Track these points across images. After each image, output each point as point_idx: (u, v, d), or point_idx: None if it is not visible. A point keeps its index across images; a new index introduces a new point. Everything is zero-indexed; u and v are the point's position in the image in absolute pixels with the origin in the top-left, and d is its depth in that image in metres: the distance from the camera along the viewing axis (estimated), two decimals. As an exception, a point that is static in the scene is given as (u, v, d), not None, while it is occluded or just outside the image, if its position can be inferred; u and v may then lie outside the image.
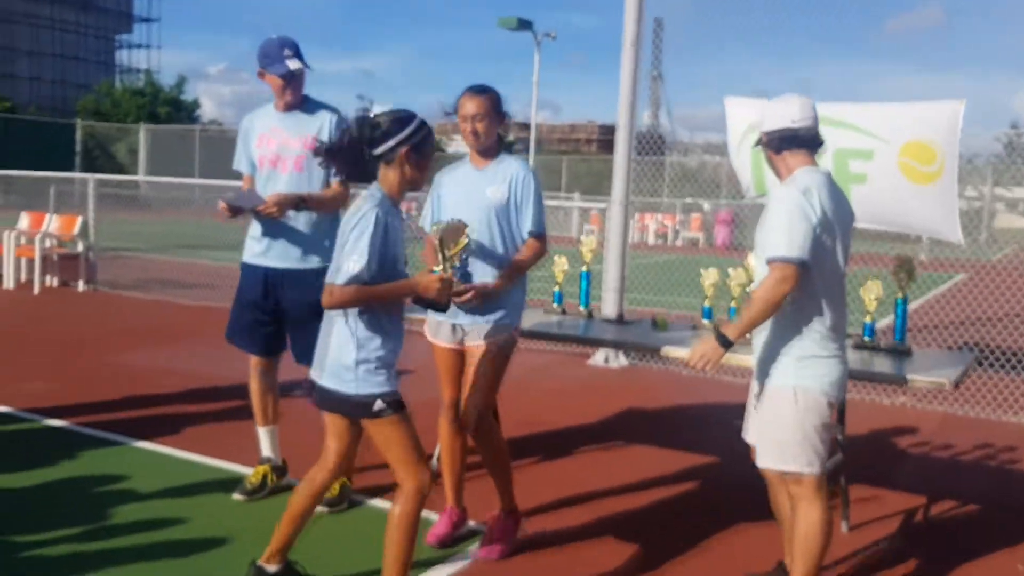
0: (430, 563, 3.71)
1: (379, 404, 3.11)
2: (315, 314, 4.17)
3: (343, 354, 3.14)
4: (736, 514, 4.39)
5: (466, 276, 3.69)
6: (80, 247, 11.27)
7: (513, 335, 3.83)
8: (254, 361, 4.48)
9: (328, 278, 3.14)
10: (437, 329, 3.89)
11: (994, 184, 24.62)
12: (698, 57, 7.60)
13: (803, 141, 3.22)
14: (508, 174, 3.78)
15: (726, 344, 3.12)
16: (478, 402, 3.76)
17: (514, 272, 3.76)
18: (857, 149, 5.83)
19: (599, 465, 5.13)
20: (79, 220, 11.24)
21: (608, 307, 7.21)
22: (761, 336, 3.26)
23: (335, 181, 4.25)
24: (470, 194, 3.79)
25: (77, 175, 12.51)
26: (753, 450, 3.38)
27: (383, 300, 3.14)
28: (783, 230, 3.05)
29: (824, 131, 6.03)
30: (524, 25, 25.25)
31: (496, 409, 4.95)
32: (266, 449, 4.50)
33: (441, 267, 3.25)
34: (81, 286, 11.26)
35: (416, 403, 4.94)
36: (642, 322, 4.85)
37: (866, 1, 6.89)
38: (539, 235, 3.80)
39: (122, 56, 68.13)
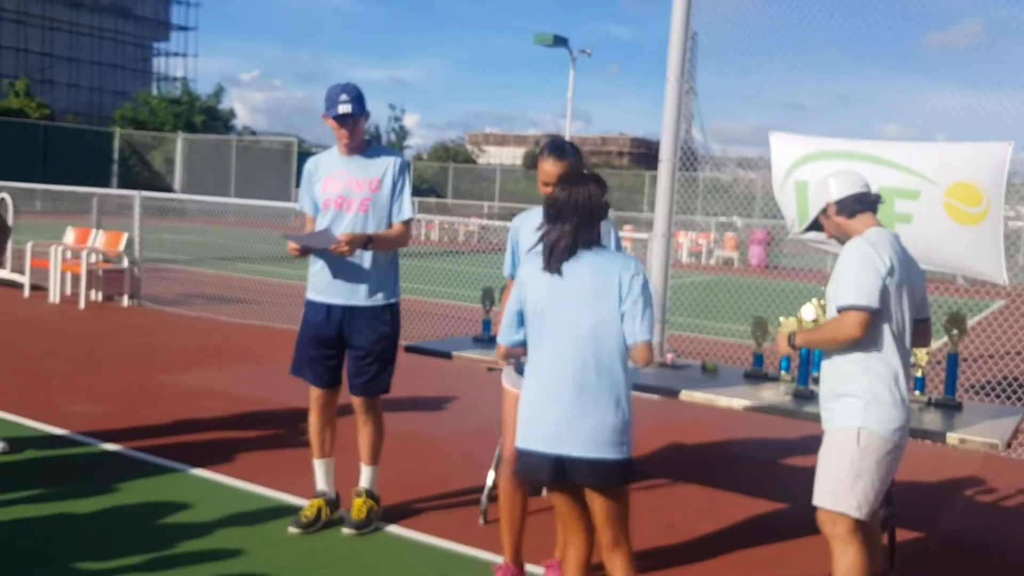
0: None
1: (629, 470, 3.14)
2: (374, 347, 4.42)
3: (609, 416, 3.08)
4: (794, 559, 4.43)
5: None
6: (125, 262, 11.48)
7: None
8: (316, 394, 4.60)
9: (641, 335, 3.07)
10: (516, 377, 3.81)
11: (1029, 207, 24.37)
12: (732, 70, 7.62)
13: (871, 203, 3.49)
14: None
15: (795, 346, 3.62)
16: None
17: None
18: (903, 189, 5.87)
19: (646, 503, 5.18)
20: (125, 236, 11.45)
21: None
22: (829, 380, 3.43)
23: (397, 222, 4.45)
24: None
25: (125, 192, 12.71)
26: None
27: None
28: (851, 279, 3.29)
29: (870, 169, 6.16)
30: (560, 42, 25.37)
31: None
32: (321, 483, 4.62)
33: None
34: (125, 301, 11.47)
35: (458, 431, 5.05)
36: (692, 367, 4.90)
37: (903, 15, 6.90)
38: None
39: (159, 64, 69.14)
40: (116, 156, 37.75)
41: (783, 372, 4.59)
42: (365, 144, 4.53)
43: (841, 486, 3.31)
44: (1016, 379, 7.99)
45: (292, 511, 4.58)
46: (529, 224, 3.90)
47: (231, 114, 50.54)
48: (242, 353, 8.95)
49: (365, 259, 4.41)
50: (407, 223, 4.49)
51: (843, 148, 6.18)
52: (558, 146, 3.81)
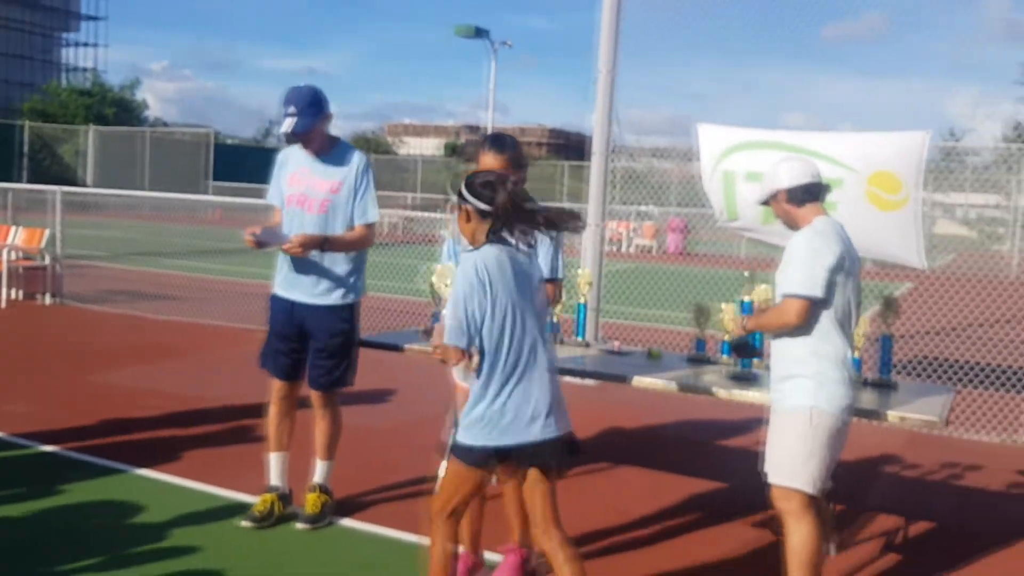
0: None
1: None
2: (332, 344, 4.46)
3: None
4: (737, 537, 4.63)
5: None
6: (47, 259, 11.15)
7: None
8: (276, 386, 4.63)
9: None
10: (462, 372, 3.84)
11: (933, 191, 25.37)
12: (643, 62, 7.78)
13: (819, 193, 3.65)
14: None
15: (746, 328, 3.85)
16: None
17: None
18: (827, 178, 6.07)
19: (587, 488, 5.32)
20: (46, 232, 11.12)
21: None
22: (780, 363, 3.58)
23: (359, 224, 4.47)
24: None
25: (43, 187, 12.33)
26: None
27: None
28: (797, 269, 3.46)
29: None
30: (480, 33, 25.40)
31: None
32: (275, 477, 4.62)
33: None
34: (47, 299, 11.15)
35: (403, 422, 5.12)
36: (635, 353, 5.05)
37: (804, 7, 7.19)
38: (555, 280, 3.90)
39: (68, 54, 66.77)
40: (25, 150, 36.40)
41: (724, 356, 4.77)
42: (332, 144, 4.52)
43: (794, 463, 3.44)
44: (930, 358, 8.43)
45: (242, 508, 4.58)
46: None
47: (144, 105, 49.16)
48: (173, 350, 8.81)
49: (324, 258, 4.43)
50: (369, 226, 4.48)
51: (769, 139, 6.39)
52: (498, 140, 3.88)
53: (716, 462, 6.08)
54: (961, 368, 7.90)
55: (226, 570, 3.96)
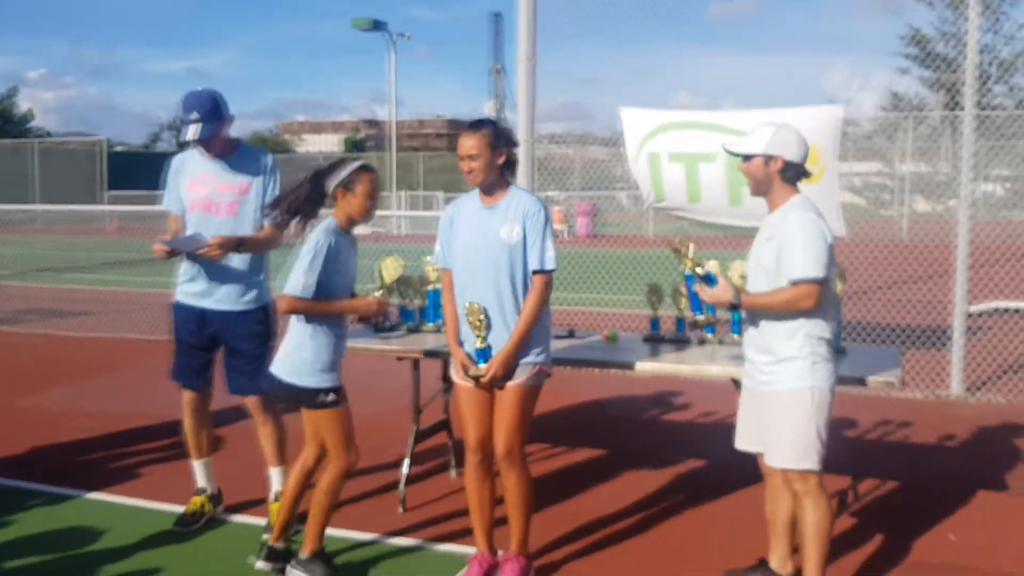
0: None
1: (323, 396, 3.87)
2: (251, 348, 4.41)
3: (298, 353, 3.86)
4: (700, 511, 4.77)
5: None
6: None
7: (543, 370, 3.84)
8: (187, 397, 4.58)
9: (285, 290, 3.80)
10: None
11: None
12: (537, 48, 7.82)
13: (803, 176, 3.60)
14: (520, 211, 3.76)
15: (735, 306, 3.59)
16: (518, 437, 3.80)
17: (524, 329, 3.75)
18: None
19: (549, 472, 5.39)
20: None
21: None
22: (770, 343, 3.52)
23: (267, 223, 4.39)
24: (484, 235, 3.78)
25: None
26: (761, 457, 3.70)
27: (325, 313, 3.85)
28: (808, 252, 3.38)
29: (716, 137, 6.56)
30: (378, 26, 25.15)
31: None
32: (201, 480, 4.65)
33: (380, 291, 3.93)
34: (-50, 324, 10.62)
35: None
36: (593, 335, 5.14)
37: None
38: (547, 272, 3.77)
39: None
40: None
41: (704, 332, 4.85)
42: (233, 145, 4.45)
43: (804, 445, 3.45)
44: (847, 322, 8.78)
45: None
46: (463, 210, 3.91)
47: (29, 115, 46.98)
48: (98, 368, 8.52)
49: (235, 262, 4.36)
50: (277, 225, 4.34)
51: (691, 119, 6.55)
52: (474, 123, 3.84)
53: (665, 437, 6.23)
54: (875, 329, 8.28)
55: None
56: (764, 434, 3.60)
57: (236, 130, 4.44)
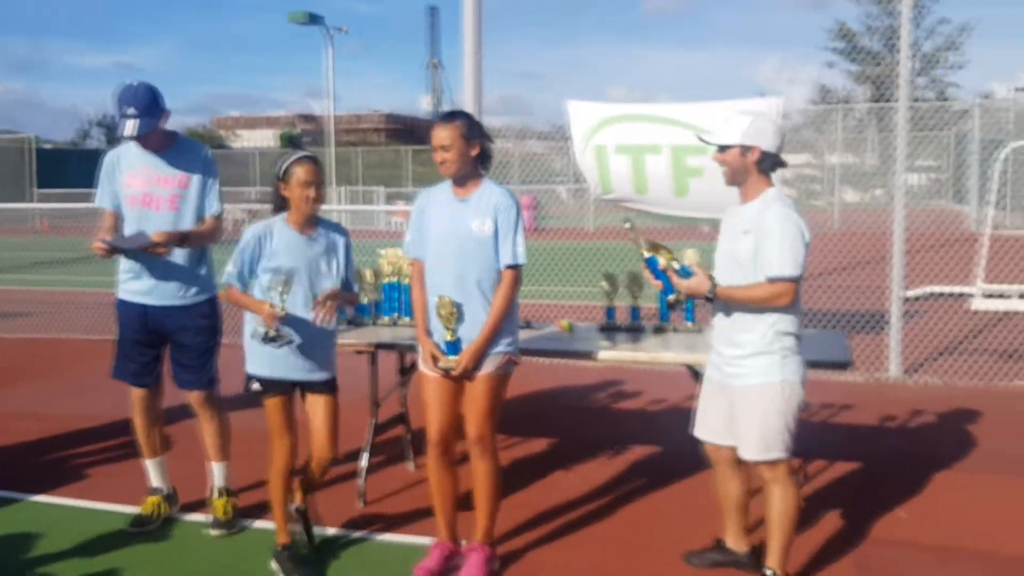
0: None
1: (254, 384, 4.00)
2: (197, 342, 4.38)
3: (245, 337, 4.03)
4: (655, 497, 4.85)
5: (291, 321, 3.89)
6: None
7: (511, 359, 3.88)
8: (137, 395, 4.51)
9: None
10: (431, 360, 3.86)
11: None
12: (483, 42, 7.82)
13: (782, 163, 3.59)
14: (491, 205, 3.77)
15: (711, 297, 3.51)
16: (489, 424, 3.84)
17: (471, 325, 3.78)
18: (693, 146, 6.39)
19: (506, 463, 5.40)
20: None
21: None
22: (741, 338, 3.54)
23: (208, 216, 4.36)
24: (455, 227, 3.80)
25: None
26: (712, 447, 3.78)
27: (240, 305, 3.98)
28: (787, 250, 3.39)
29: (662, 130, 6.65)
30: (315, 20, 24.86)
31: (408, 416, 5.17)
32: (155, 480, 4.58)
33: (279, 303, 3.81)
34: None
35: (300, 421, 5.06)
36: (550, 326, 5.18)
37: None
38: (516, 267, 3.79)
39: None
40: None
41: (665, 321, 4.90)
42: (171, 139, 4.37)
43: (774, 436, 3.52)
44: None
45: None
46: (435, 201, 3.91)
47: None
48: (35, 370, 8.29)
49: (177, 256, 4.30)
50: (217, 217, 4.38)
51: (637, 112, 6.64)
52: (447, 114, 3.85)
53: (618, 425, 6.31)
54: (815, 315, 8.48)
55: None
56: (732, 426, 3.65)
57: (168, 127, 4.37)
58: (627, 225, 3.74)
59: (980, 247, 9.70)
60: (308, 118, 69.47)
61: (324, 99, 27.03)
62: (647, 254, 3.70)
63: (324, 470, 4.15)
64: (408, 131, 66.55)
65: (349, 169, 37.81)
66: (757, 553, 3.86)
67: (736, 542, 3.93)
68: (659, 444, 5.65)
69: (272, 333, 3.80)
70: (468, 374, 3.78)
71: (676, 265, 3.64)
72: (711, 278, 3.55)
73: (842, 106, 32.42)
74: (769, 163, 3.52)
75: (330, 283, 3.99)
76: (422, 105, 73.07)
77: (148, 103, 4.17)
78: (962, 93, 38.35)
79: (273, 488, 4.06)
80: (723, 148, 3.55)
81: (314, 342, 3.99)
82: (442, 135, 3.73)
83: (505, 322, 3.80)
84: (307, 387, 4.06)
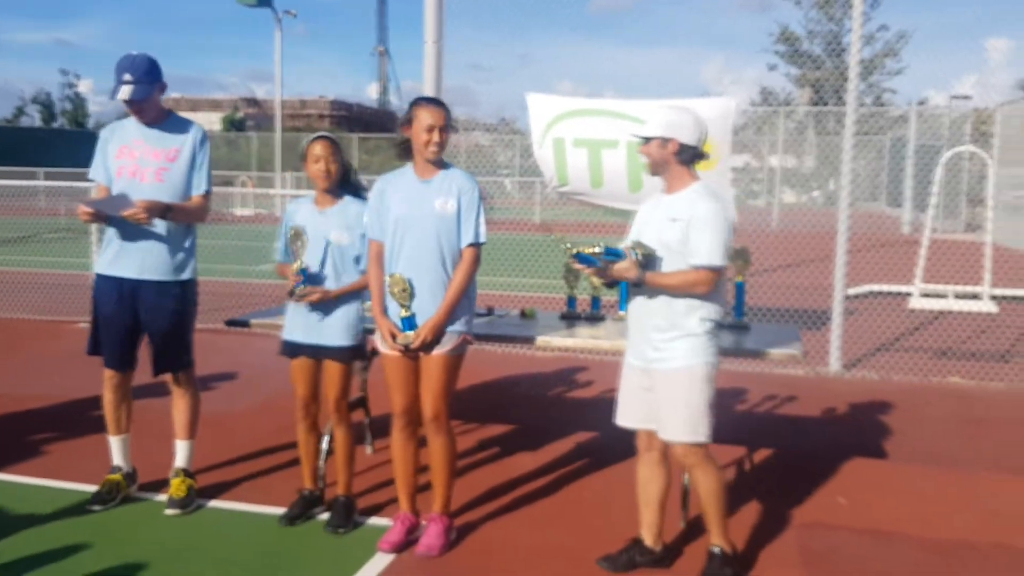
0: (367, 557, 3.93)
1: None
2: (171, 324, 4.39)
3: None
4: (604, 479, 5.00)
5: (314, 279, 4.17)
6: None
7: (466, 339, 4.00)
8: (109, 373, 4.50)
9: None
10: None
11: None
12: (418, 32, 7.90)
13: (699, 159, 3.71)
14: (455, 187, 3.93)
15: (640, 282, 3.56)
16: (444, 402, 3.97)
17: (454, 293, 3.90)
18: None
19: (463, 447, 5.49)
20: None
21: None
22: (667, 321, 3.61)
23: (196, 194, 4.39)
24: (420, 207, 3.92)
25: None
26: (643, 435, 3.85)
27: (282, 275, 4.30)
28: (715, 241, 3.51)
29: (619, 125, 6.79)
30: (264, 2, 24.54)
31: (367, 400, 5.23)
32: (117, 458, 4.59)
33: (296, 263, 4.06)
34: None
35: (247, 407, 5.10)
36: (510, 313, 5.29)
37: None
38: (477, 245, 3.96)
39: None
40: None
41: (624, 311, 4.96)
42: (165, 114, 4.44)
43: (696, 418, 3.60)
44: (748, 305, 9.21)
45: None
46: (396, 184, 4.01)
47: None
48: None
49: (160, 230, 4.32)
50: (206, 196, 4.43)
51: (595, 106, 6.77)
52: (430, 97, 4.02)
53: (572, 412, 6.47)
54: (759, 311, 8.74)
55: (105, 563, 3.84)
56: (655, 410, 3.70)
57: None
58: (555, 236, 3.89)
59: (920, 248, 10.06)
60: (252, 102, 68.42)
61: (268, 83, 26.72)
62: (574, 251, 3.74)
63: (338, 442, 4.38)
64: (354, 118, 65.95)
65: (295, 155, 37.32)
66: (672, 550, 3.97)
67: (654, 540, 3.95)
68: (611, 429, 5.77)
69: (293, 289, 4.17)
70: (425, 349, 3.90)
71: (599, 249, 3.67)
72: (640, 264, 3.57)
73: (784, 108, 33.11)
74: (688, 155, 3.63)
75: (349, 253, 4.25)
76: (369, 93, 72.50)
77: (145, 71, 4.26)
78: (897, 99, 39.49)
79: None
80: (645, 140, 3.67)
81: (327, 309, 4.22)
82: (439, 115, 3.88)
83: (464, 301, 3.94)
84: (321, 352, 4.27)
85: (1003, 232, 19.60)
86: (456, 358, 3.97)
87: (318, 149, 4.20)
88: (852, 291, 9.09)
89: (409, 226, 3.90)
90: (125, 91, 4.22)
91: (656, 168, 3.69)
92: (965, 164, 22.06)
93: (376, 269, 4.02)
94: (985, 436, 6.04)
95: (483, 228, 3.93)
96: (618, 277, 3.65)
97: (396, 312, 3.89)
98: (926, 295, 9.60)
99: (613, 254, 3.64)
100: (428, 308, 3.88)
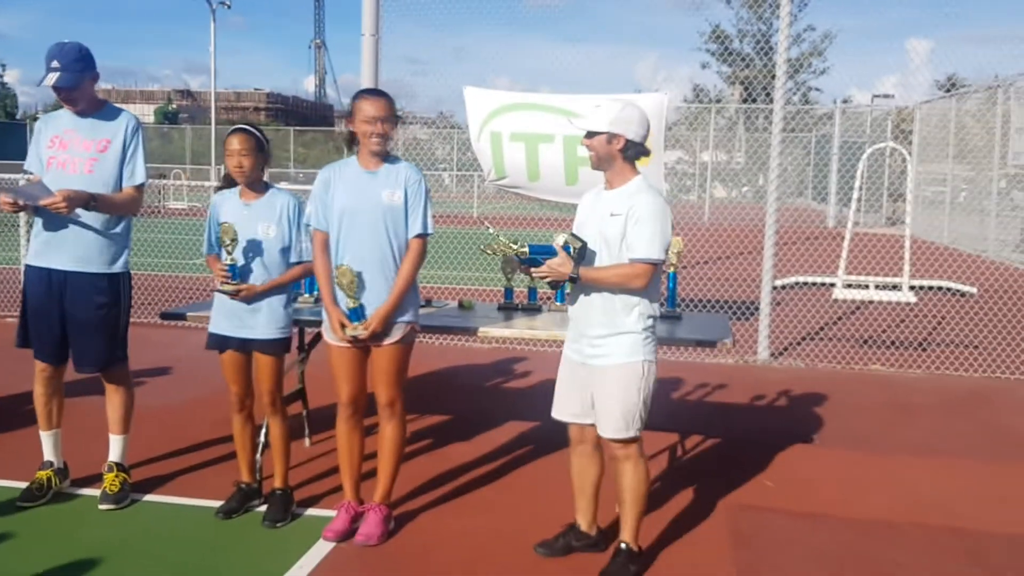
0: (306, 548, 3.94)
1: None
2: (100, 318, 4.33)
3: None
4: (540, 468, 5.09)
5: (242, 274, 4.17)
6: None
7: (414, 328, 4.06)
8: (40, 367, 4.44)
9: None
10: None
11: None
12: (353, 26, 7.96)
13: (645, 152, 3.72)
14: (402, 178, 3.96)
15: (574, 278, 3.55)
16: (397, 389, 4.04)
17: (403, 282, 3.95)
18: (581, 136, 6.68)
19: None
20: None
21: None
22: (606, 318, 3.62)
23: (128, 185, 4.34)
24: (366, 197, 3.92)
25: None
26: (575, 427, 3.89)
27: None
28: (656, 236, 3.52)
29: (555, 119, 6.88)
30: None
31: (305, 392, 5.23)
32: (48, 453, 4.53)
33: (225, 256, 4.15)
34: None
35: (182, 401, 5.06)
36: (448, 304, 5.33)
37: None
38: (424, 236, 4.00)
39: None
40: None
41: (561, 302, 5.06)
42: (99, 104, 4.38)
43: (632, 414, 3.62)
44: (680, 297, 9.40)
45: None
46: (342, 175, 4.02)
47: None
48: None
49: (91, 220, 4.26)
50: (139, 188, 4.38)
51: (533, 101, 6.85)
52: (374, 89, 4.04)
53: (508, 402, 6.55)
54: (691, 302, 8.94)
55: (36, 560, 3.78)
56: (592, 405, 3.73)
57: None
58: (491, 231, 3.92)
59: (844, 241, 10.39)
60: (185, 93, 66.99)
61: (203, 75, 26.25)
62: (516, 252, 3.68)
63: (274, 435, 4.38)
64: (291, 111, 65.06)
65: (228, 147, 36.65)
66: (607, 535, 4.03)
67: (589, 526, 4.00)
68: (549, 419, 5.86)
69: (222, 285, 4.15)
70: (374, 340, 3.93)
71: (526, 249, 3.65)
72: (573, 259, 3.56)
73: (716, 105, 33.69)
74: (634, 152, 3.64)
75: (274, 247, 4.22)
76: (305, 86, 71.63)
77: (74, 59, 4.21)
78: (823, 98, 40.51)
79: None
80: (591, 134, 3.64)
81: (253, 302, 4.20)
82: (381, 106, 3.90)
83: (410, 292, 3.99)
84: (249, 345, 4.25)
85: (921, 226, 20.36)
86: (406, 346, 4.03)
87: (234, 143, 4.17)
88: (779, 281, 9.35)
89: (355, 217, 3.92)
90: (51, 78, 4.16)
91: (600, 163, 3.67)
92: (886, 160, 22.79)
93: (322, 259, 4.02)
94: (904, 421, 6.30)
95: (430, 219, 3.98)
96: (553, 275, 3.61)
97: (344, 303, 3.92)
98: (849, 286, 9.93)
99: (544, 251, 3.60)
100: (376, 299, 3.92)
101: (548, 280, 3.69)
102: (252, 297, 4.18)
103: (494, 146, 6.81)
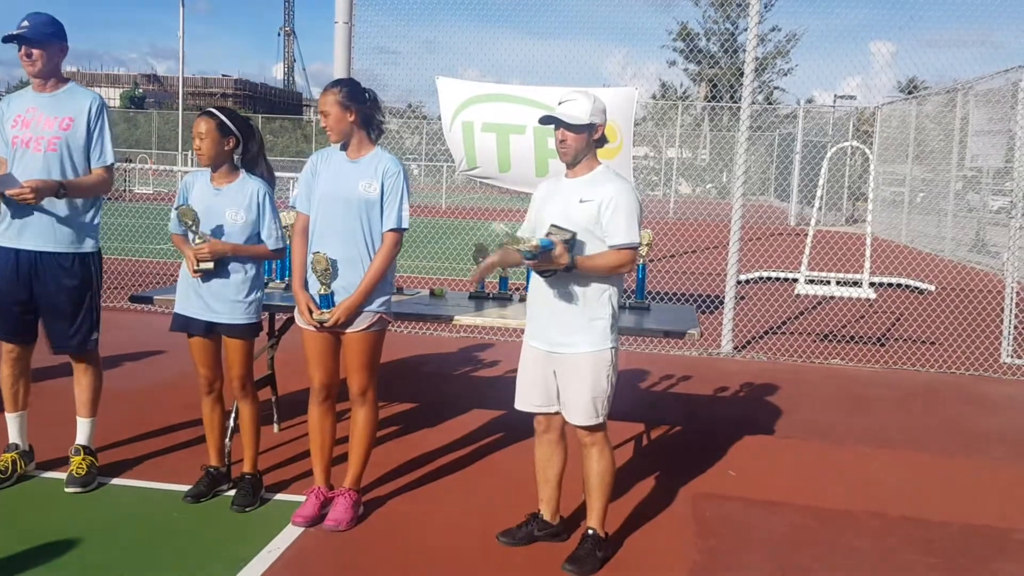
0: (275, 532, 3.96)
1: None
2: (70, 299, 4.31)
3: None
4: (507, 455, 5.15)
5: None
6: None
7: (383, 318, 4.07)
8: (7, 348, 4.42)
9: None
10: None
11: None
12: (322, 14, 8.00)
13: (605, 140, 3.76)
14: (380, 170, 3.97)
15: (570, 267, 3.52)
16: (368, 377, 4.06)
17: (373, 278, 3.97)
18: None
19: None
20: None
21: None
22: (579, 307, 3.64)
23: (96, 167, 4.32)
24: (345, 187, 3.95)
25: None
26: (540, 418, 3.91)
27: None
28: (631, 221, 3.59)
29: (527, 111, 6.94)
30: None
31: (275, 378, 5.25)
32: (14, 436, 4.51)
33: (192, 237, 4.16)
34: None
35: (150, 385, 5.04)
36: (419, 292, 5.37)
37: None
38: (399, 231, 4.00)
39: None
40: None
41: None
42: (63, 82, 4.35)
43: (600, 401, 3.68)
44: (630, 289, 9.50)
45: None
46: (328, 161, 4.05)
47: None
48: None
49: (57, 203, 4.23)
50: (108, 168, 4.35)
51: (504, 92, 6.90)
52: (335, 82, 4.04)
53: (476, 390, 6.60)
54: (658, 297, 9.05)
55: (1, 542, 3.77)
56: (558, 394, 3.77)
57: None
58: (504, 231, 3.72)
59: (806, 238, 10.56)
60: (153, 78, 65.96)
61: (170, 60, 25.92)
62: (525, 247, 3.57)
63: (244, 419, 4.37)
64: (259, 98, 64.34)
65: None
66: (569, 524, 4.09)
67: (552, 515, 4.03)
68: (514, 408, 5.94)
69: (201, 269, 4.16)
70: (340, 328, 3.97)
71: (536, 242, 3.57)
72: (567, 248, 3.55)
73: (682, 103, 33.96)
74: (602, 140, 3.72)
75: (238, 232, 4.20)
76: (273, 73, 71.01)
77: (44, 21, 4.24)
78: (787, 97, 40.99)
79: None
80: (578, 129, 3.62)
81: (220, 285, 4.18)
82: (323, 100, 3.96)
83: (381, 283, 4.01)
84: (217, 329, 4.25)
85: (881, 224, 20.72)
86: (376, 334, 4.05)
87: (200, 126, 4.15)
88: (743, 276, 9.50)
89: (332, 204, 3.95)
90: (20, 28, 4.15)
91: (578, 155, 3.66)
92: (848, 160, 23.13)
93: (300, 242, 4.05)
94: (862, 413, 6.45)
95: (406, 213, 3.97)
96: (554, 266, 3.57)
97: (315, 288, 3.95)
98: (811, 281, 10.10)
99: (543, 247, 3.55)
100: (347, 288, 3.94)
101: (543, 271, 3.64)
102: (216, 279, 4.16)
103: (466, 136, 6.85)
